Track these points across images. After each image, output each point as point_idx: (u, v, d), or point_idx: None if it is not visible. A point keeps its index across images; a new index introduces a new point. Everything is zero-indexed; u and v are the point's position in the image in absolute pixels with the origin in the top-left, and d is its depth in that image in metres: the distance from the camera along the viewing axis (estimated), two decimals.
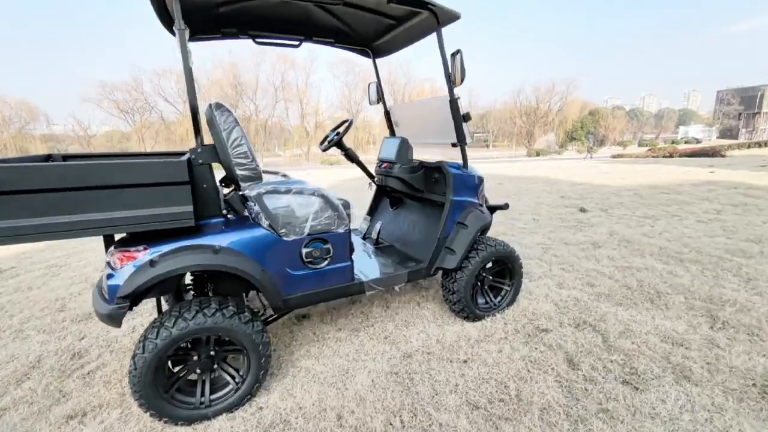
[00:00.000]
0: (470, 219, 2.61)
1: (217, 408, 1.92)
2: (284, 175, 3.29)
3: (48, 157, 2.28)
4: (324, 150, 2.94)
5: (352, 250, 2.29)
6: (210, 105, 1.98)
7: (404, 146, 2.76)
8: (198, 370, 1.92)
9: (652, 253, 3.98)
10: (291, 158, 46.01)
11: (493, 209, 3.20)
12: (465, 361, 2.29)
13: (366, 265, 2.60)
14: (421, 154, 3.39)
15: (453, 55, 2.25)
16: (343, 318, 2.85)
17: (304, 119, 44.32)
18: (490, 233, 4.77)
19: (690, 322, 2.63)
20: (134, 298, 1.75)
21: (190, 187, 1.73)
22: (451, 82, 2.33)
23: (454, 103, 2.47)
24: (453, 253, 2.56)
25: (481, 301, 2.83)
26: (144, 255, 1.72)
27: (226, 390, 1.97)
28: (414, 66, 57.14)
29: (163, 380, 1.81)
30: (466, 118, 2.55)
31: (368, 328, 2.69)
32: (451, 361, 2.29)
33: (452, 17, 2.33)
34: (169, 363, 1.86)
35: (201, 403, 1.91)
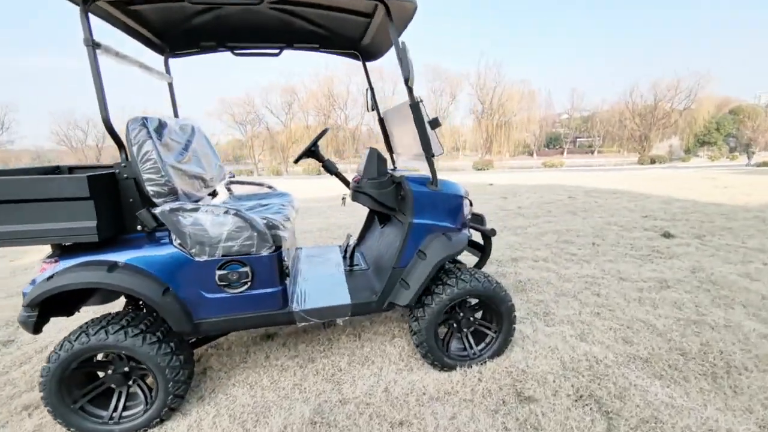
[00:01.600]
0: (432, 247, 2.16)
1: (125, 427, 1.88)
2: (270, 187, 3.22)
3: (55, 169, 2.56)
4: (296, 162, 2.77)
5: (284, 274, 2.06)
6: (130, 119, 1.97)
7: (372, 158, 2.43)
8: (113, 385, 1.91)
9: (747, 303, 2.86)
10: None
11: (486, 235, 2.66)
12: (401, 424, 1.86)
13: (314, 291, 2.34)
14: (418, 165, 3.02)
15: (399, 49, 1.87)
16: (305, 343, 2.63)
17: None
18: (524, 257, 4.06)
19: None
20: (45, 309, 1.80)
21: (93, 203, 1.71)
22: (405, 83, 1.95)
23: (415, 107, 2.07)
24: (407, 288, 2.14)
25: (457, 346, 2.33)
26: (53, 267, 1.76)
27: (137, 410, 1.92)
28: (507, 67, 53.78)
29: (71, 391, 1.83)
30: (434, 124, 2.12)
31: (323, 360, 2.42)
32: (384, 420, 1.88)
33: (405, 9, 1.94)
34: (81, 374, 1.87)
35: (111, 419, 1.88)
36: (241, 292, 1.96)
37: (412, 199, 2.16)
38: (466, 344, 2.31)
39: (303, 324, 2.09)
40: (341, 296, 2.24)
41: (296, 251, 3.16)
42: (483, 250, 2.79)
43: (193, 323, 1.92)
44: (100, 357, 1.89)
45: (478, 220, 2.73)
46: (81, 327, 1.82)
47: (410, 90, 2.00)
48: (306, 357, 2.47)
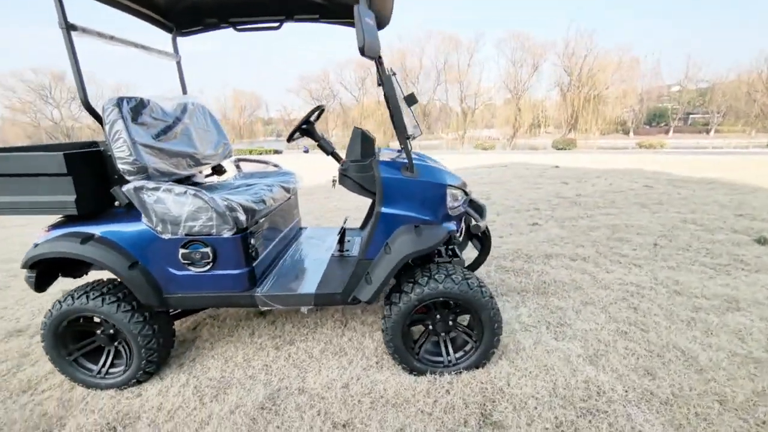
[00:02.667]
0: (399, 241, 1.93)
1: (108, 382, 2.08)
2: (275, 166, 3.21)
3: (92, 144, 2.84)
4: (288, 140, 2.69)
5: (249, 257, 2.03)
6: (108, 100, 2.04)
7: (356, 138, 2.23)
8: (102, 344, 2.11)
9: None
10: (451, 141, 45.78)
11: (473, 234, 2.35)
12: (344, 425, 1.76)
13: (287, 276, 2.27)
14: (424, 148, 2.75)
15: (356, 13, 1.61)
16: (291, 324, 2.64)
17: (464, 101, 43.17)
18: (561, 254, 3.55)
19: None
20: (45, 271, 2.02)
21: (72, 179, 1.82)
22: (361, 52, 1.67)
23: (387, 81, 1.82)
24: (369, 283, 1.96)
25: (431, 350, 2.12)
26: (44, 236, 1.95)
27: (119, 369, 2.11)
28: (601, 34, 46.61)
29: (66, 344, 2.06)
30: (410, 100, 1.85)
31: (300, 343, 2.40)
32: (328, 419, 1.80)
33: None
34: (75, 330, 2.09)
35: (98, 373, 2.10)
36: (205, 272, 1.99)
37: (381, 186, 1.94)
38: (443, 350, 2.09)
39: (266, 309, 2.06)
40: (308, 285, 2.16)
41: (299, 231, 3.15)
42: (483, 247, 2.47)
43: (162, 297, 2.00)
44: (97, 319, 2.08)
45: (477, 211, 2.39)
46: (70, 291, 2.01)
47: (373, 60, 1.75)
48: (287, 339, 2.48)
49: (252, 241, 2.07)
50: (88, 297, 1.95)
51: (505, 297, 2.88)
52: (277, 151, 31.01)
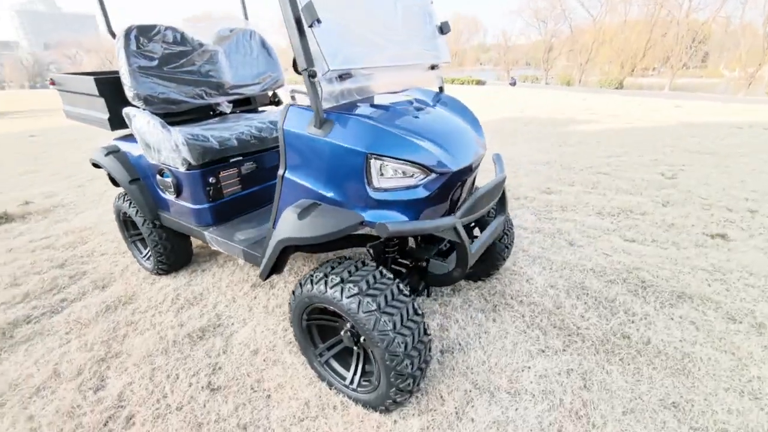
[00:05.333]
0: (281, 222, 1.45)
1: (144, 264, 2.68)
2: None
3: None
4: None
5: (208, 195, 2.02)
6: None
7: None
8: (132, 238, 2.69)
9: None
10: (735, 82, 30.98)
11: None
12: (213, 389, 1.69)
13: (243, 225, 2.10)
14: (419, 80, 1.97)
15: None
16: (297, 267, 2.64)
17: None
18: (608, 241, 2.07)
19: None
20: None
21: (104, 100, 2.19)
22: None
23: None
24: (262, 258, 1.63)
25: (341, 358, 1.69)
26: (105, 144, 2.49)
27: (142, 256, 2.66)
28: None
29: (127, 228, 2.72)
30: (307, 13, 1.24)
31: (262, 287, 2.40)
32: (203, 379, 1.77)
33: None
34: None
35: (142, 256, 2.72)
36: (174, 200, 2.13)
37: (282, 142, 1.47)
38: (353, 366, 1.63)
39: (214, 248, 2.08)
40: (247, 239, 2.00)
41: None
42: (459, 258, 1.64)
43: (156, 213, 2.29)
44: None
45: (477, 204, 1.55)
46: (119, 194, 2.54)
47: None
48: (271, 283, 2.51)
49: (211, 180, 2.04)
50: (123, 199, 2.45)
51: None
52: (479, 82, 29.20)
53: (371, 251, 1.90)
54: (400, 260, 1.97)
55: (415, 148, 1.38)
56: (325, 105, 1.37)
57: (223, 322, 2.15)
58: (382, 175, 1.39)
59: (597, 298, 2.21)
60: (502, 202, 1.92)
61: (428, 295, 2.14)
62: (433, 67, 1.95)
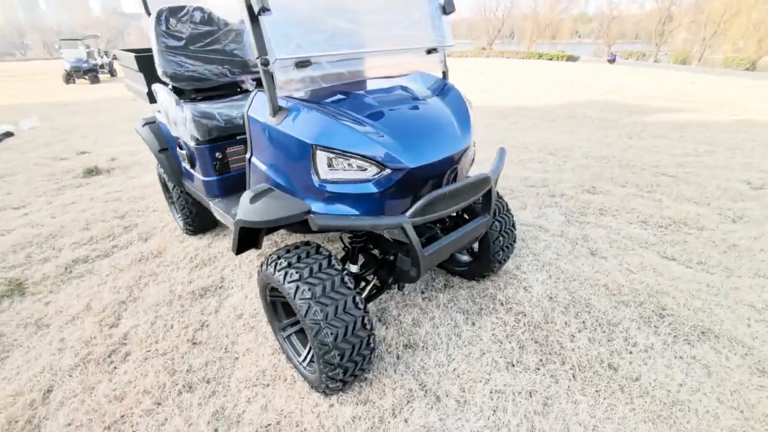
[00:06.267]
0: (240, 203, 1.52)
1: (179, 223, 3.04)
2: None
3: None
4: None
5: (214, 168, 2.19)
6: None
7: None
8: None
9: None
10: None
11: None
12: (194, 343, 1.92)
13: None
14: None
15: None
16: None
17: None
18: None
19: None
20: None
21: (143, 76, 2.47)
22: None
23: None
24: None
25: (303, 336, 1.79)
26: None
27: (178, 218, 3.01)
28: None
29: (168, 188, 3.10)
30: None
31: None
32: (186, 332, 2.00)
33: None
34: None
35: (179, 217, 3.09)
36: (191, 170, 2.35)
37: (247, 127, 1.52)
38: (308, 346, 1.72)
39: (218, 218, 2.26)
40: (242, 211, 2.13)
41: None
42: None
43: (180, 182, 2.56)
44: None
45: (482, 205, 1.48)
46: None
47: None
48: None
49: (218, 155, 2.20)
50: (161, 166, 2.77)
51: None
52: (571, 58, 26.20)
53: (343, 239, 1.92)
54: (372, 251, 1.96)
55: (366, 142, 1.34)
56: (282, 93, 1.38)
57: (224, 284, 2.38)
58: (331, 167, 1.38)
59: (598, 320, 1.98)
60: (486, 202, 1.78)
61: (399, 289, 2.11)
62: (430, 51, 1.83)
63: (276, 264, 1.49)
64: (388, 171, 1.38)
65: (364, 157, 1.35)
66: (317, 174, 1.40)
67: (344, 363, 1.41)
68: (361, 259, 1.88)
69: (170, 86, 2.28)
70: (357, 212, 1.45)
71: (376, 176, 1.39)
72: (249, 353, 1.84)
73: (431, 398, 1.58)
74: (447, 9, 1.79)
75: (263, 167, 1.56)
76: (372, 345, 1.50)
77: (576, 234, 2.77)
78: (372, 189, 1.40)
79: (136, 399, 1.63)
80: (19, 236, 3.07)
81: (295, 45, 1.31)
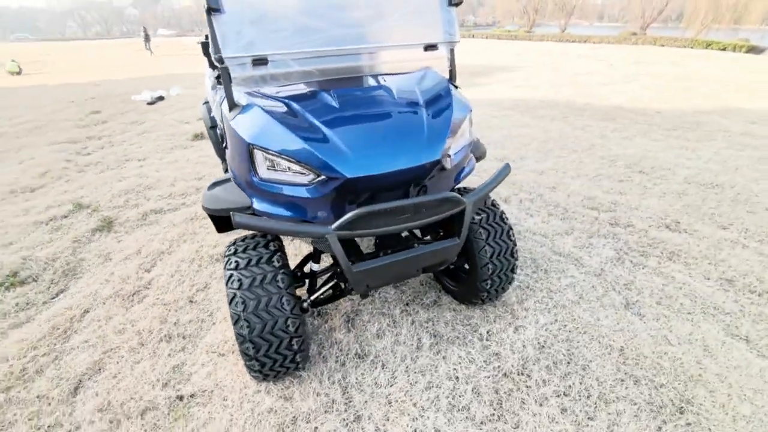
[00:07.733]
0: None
1: None
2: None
3: None
4: None
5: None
6: None
7: None
8: None
9: None
10: None
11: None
12: (190, 302, 2.21)
13: None
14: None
15: None
16: None
17: None
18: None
19: None
20: None
21: (207, 60, 2.81)
22: None
23: None
24: None
25: None
26: None
27: None
28: None
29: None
30: None
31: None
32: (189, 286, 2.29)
33: None
34: None
35: None
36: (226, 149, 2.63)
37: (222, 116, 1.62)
38: None
39: None
40: (203, 196, 2.29)
41: None
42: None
43: (224, 157, 2.88)
44: None
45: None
46: None
47: None
48: None
49: None
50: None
51: None
52: (755, 49, 20.03)
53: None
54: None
55: (301, 146, 1.32)
56: (243, 90, 1.44)
57: None
58: (272, 167, 1.40)
59: (588, 390, 1.62)
60: (458, 225, 1.57)
61: (362, 297, 2.03)
62: (427, 48, 1.66)
63: (230, 249, 1.60)
64: (323, 178, 1.34)
65: (297, 162, 1.33)
66: (256, 172, 1.44)
67: (260, 357, 1.46)
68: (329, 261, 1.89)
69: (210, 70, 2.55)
70: (292, 215, 1.45)
71: (313, 182, 1.37)
72: (224, 322, 2.04)
73: (350, 416, 1.54)
74: (452, 0, 1.59)
75: (228, 158, 1.67)
76: (296, 347, 1.51)
77: (619, 278, 2.26)
78: (305, 194, 1.38)
79: (129, 336, 1.97)
80: (129, 183, 3.88)
81: (247, 43, 1.34)
